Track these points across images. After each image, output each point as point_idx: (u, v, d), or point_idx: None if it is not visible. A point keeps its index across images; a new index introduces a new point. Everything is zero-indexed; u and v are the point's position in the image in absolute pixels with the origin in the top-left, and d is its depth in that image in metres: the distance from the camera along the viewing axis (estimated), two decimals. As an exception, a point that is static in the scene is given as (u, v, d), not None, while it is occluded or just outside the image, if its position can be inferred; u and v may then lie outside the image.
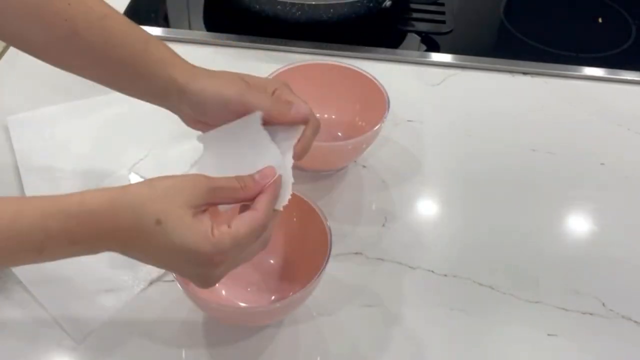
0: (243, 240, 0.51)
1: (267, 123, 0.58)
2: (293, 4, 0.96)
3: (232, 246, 0.51)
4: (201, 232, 0.50)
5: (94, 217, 0.49)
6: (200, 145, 0.61)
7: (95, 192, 0.50)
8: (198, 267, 0.52)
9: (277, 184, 0.55)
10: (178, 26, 1.04)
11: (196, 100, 0.59)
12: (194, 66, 0.62)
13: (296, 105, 0.58)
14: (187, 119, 0.62)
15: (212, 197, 0.52)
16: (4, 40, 0.66)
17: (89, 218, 0.49)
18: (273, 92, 0.60)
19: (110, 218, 0.49)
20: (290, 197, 0.55)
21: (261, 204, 0.53)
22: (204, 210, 0.52)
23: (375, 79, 0.80)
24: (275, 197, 0.55)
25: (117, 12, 0.63)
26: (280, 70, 0.80)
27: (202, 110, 0.60)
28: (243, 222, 0.52)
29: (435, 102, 0.93)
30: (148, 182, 0.52)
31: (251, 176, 0.54)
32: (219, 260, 0.51)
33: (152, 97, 0.63)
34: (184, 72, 0.60)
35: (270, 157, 0.56)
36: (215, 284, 0.54)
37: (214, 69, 0.62)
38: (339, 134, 0.84)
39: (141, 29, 0.63)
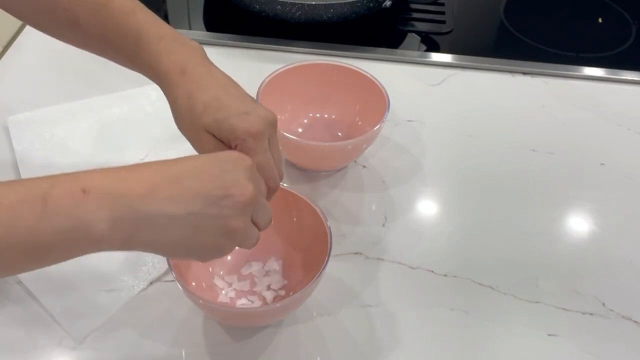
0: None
1: None
2: (293, 4, 0.96)
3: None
4: None
5: (108, 169, 0.49)
6: None
7: None
8: (230, 163, 0.51)
9: None
10: (178, 26, 1.03)
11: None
12: (180, 75, 0.59)
13: None
14: None
15: None
16: (27, 23, 0.70)
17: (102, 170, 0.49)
18: (235, 146, 0.56)
19: (132, 167, 0.49)
20: None
21: None
22: None
23: (375, 79, 0.80)
24: None
25: None
26: (280, 70, 0.80)
27: None
28: None
29: (436, 102, 0.93)
30: None
31: None
32: (243, 157, 0.52)
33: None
34: (169, 86, 0.59)
35: None
36: (252, 190, 0.51)
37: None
38: (339, 134, 0.84)
39: (137, 15, 0.61)
